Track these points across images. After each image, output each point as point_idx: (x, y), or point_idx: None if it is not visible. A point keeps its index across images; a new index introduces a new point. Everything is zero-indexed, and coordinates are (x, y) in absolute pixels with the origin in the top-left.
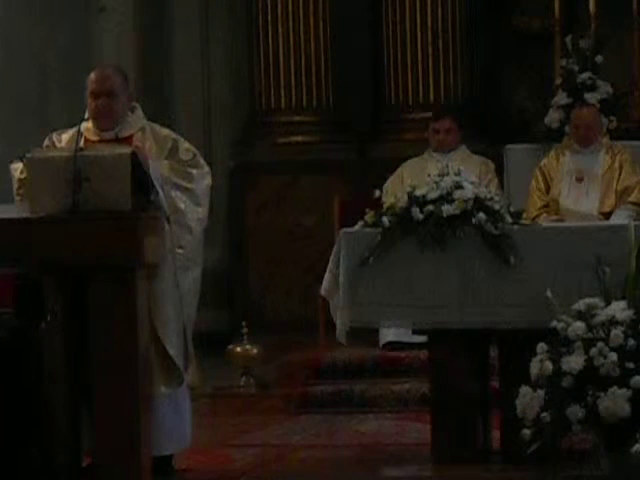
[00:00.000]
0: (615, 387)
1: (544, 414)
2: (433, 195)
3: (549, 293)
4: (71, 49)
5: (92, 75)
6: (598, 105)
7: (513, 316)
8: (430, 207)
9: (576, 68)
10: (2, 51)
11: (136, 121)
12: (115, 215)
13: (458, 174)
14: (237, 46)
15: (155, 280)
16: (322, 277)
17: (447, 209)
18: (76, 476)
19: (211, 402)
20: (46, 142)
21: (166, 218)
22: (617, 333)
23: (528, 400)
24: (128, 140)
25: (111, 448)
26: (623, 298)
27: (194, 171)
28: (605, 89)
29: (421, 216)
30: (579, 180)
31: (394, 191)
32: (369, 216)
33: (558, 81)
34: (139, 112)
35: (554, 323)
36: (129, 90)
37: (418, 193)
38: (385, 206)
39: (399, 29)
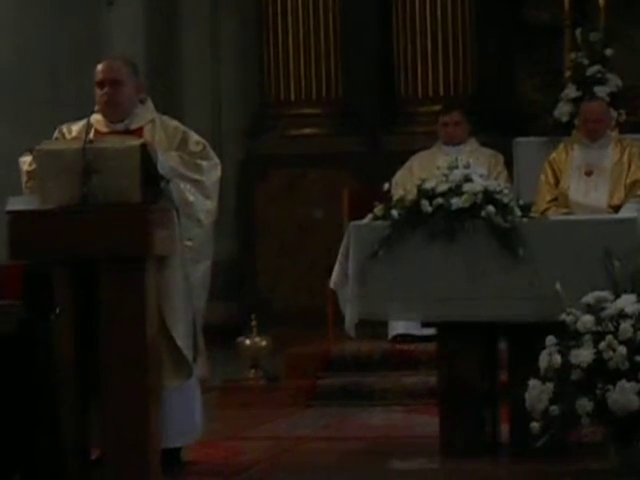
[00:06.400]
0: (624, 380)
1: (553, 407)
2: (442, 188)
3: (558, 286)
4: (81, 42)
5: (99, 66)
6: (607, 98)
7: (522, 309)
8: (439, 200)
9: (586, 61)
10: (13, 45)
11: (146, 113)
12: (125, 207)
13: (467, 167)
14: (247, 38)
15: (164, 272)
16: (331, 270)
17: (456, 202)
18: (85, 468)
19: (220, 394)
20: (56, 134)
21: (175, 209)
22: (626, 326)
23: (537, 393)
24: (138, 132)
25: (120, 440)
26: (632, 291)
27: (204, 163)
28: (615, 82)
29: (430, 209)
30: (588, 174)
31: (403, 184)
32: (378, 209)
33: (567, 74)
34: (149, 104)
35: (563, 316)
36: (139, 80)
37: (427, 186)
38: (394, 199)
39: (409, 21)
